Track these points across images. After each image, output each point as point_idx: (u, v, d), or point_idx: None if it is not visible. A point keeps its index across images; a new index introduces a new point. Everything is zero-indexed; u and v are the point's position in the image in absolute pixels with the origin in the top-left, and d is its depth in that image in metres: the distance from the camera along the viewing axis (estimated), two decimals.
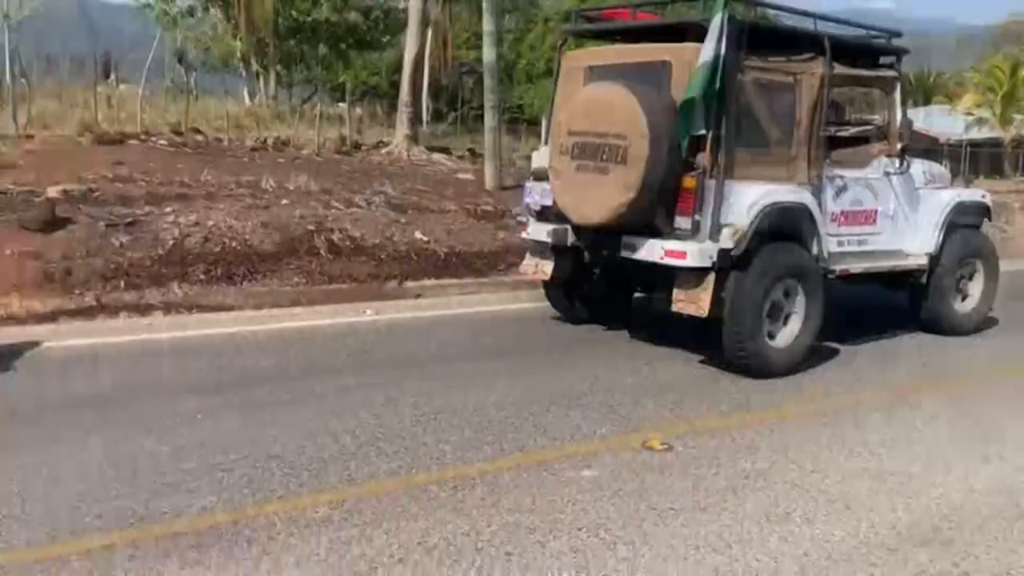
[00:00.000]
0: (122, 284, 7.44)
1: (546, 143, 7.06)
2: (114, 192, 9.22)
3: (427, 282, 8.71)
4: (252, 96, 23.38)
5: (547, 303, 7.39)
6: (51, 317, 6.67)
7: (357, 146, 15.55)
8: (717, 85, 5.55)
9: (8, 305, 6.75)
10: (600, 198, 5.91)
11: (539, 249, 6.86)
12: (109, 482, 3.79)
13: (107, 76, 20.04)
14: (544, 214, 6.73)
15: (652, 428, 4.80)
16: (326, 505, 3.65)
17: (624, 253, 6.10)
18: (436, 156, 15.68)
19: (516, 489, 3.90)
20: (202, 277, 7.83)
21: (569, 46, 7.31)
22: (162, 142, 13.19)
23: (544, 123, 15.15)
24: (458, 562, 3.23)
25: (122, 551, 3.21)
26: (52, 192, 8.76)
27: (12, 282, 7.01)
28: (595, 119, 5.97)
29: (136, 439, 4.31)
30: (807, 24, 6.44)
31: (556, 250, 6.71)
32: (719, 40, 5.54)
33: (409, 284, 8.60)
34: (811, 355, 6.22)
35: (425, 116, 16.08)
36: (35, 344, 5.91)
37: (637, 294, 7.35)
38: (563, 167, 6.23)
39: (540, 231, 6.71)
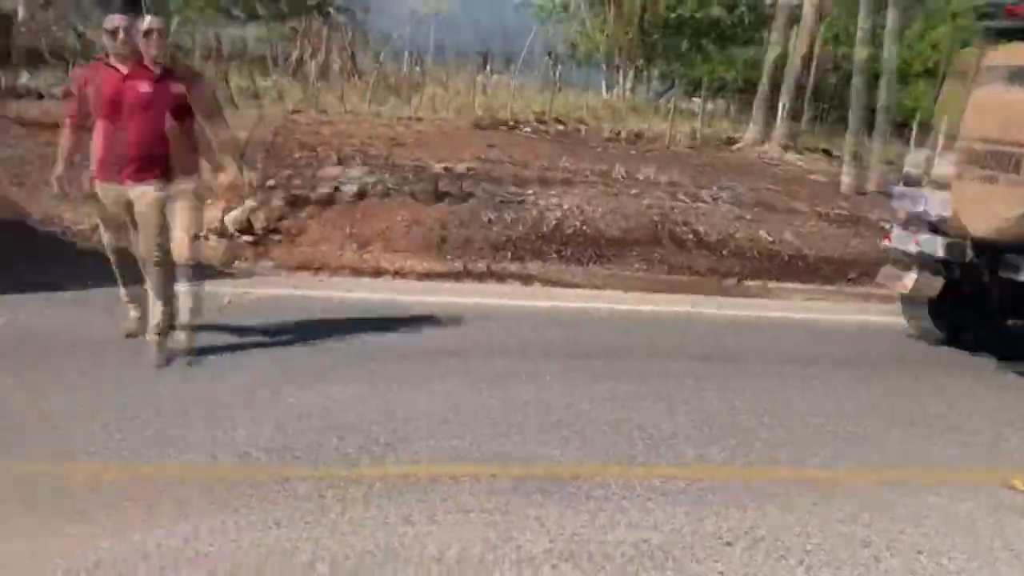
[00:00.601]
0: (485, 255, 8.23)
1: (919, 147, 6.58)
2: (486, 172, 10.15)
3: (769, 283, 8.55)
4: (610, 89, 24.25)
5: (901, 318, 6.92)
6: (427, 276, 7.65)
7: (707, 141, 15.54)
8: None
9: (394, 262, 7.83)
10: (996, 210, 5.40)
11: (902, 260, 6.42)
12: (497, 423, 4.28)
13: (485, 66, 21.93)
14: (911, 223, 6.29)
15: (1015, 466, 4.33)
16: (657, 478, 3.81)
17: (1004, 273, 5.53)
18: (789, 155, 15.13)
19: (852, 500, 3.77)
20: (554, 255, 8.41)
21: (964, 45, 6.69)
22: (527, 129, 14.21)
23: (914, 126, 13.96)
24: (785, 558, 3.22)
25: (468, 484, 3.61)
26: (436, 168, 9.91)
27: (402, 244, 8.10)
28: (1004, 125, 5.44)
29: (492, 391, 4.80)
30: None
31: (922, 262, 6.25)
32: None
33: (749, 283, 8.50)
34: None
35: (781, 114, 15.58)
36: (410, 301, 6.79)
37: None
38: (951, 173, 5.77)
39: (905, 241, 6.27)
